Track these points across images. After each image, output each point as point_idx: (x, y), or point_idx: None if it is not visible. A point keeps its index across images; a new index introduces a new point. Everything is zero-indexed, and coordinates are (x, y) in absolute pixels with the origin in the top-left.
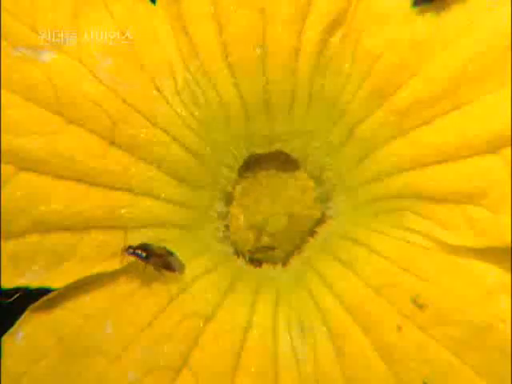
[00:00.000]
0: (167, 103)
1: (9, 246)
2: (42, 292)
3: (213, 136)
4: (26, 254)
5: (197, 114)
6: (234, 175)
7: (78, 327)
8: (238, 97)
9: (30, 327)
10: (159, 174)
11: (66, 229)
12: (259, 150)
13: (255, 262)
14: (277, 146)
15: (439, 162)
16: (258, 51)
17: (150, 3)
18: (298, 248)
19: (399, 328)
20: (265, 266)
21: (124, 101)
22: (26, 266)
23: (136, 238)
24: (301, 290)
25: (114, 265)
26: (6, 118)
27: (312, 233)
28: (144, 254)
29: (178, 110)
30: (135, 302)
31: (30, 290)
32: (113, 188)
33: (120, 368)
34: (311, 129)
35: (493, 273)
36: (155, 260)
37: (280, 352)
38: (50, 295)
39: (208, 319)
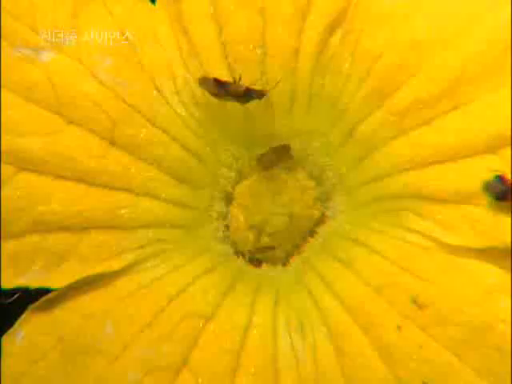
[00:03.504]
0: (167, 103)
1: (9, 245)
2: (42, 292)
3: (213, 136)
4: (26, 254)
5: (197, 114)
6: (233, 175)
7: (77, 327)
8: None
9: (29, 327)
10: (159, 174)
11: (66, 229)
12: (259, 150)
13: (255, 262)
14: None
15: (439, 162)
16: (258, 51)
17: (149, 3)
18: (297, 248)
19: (399, 328)
20: (265, 266)
21: (124, 101)
22: (26, 266)
23: (136, 238)
24: (301, 289)
25: (114, 265)
26: (5, 118)
27: (312, 233)
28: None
29: (178, 110)
30: (135, 302)
31: (29, 290)
32: (113, 188)
33: (120, 368)
34: (311, 129)
35: (493, 273)
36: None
37: (280, 352)
38: (50, 295)
39: (208, 319)
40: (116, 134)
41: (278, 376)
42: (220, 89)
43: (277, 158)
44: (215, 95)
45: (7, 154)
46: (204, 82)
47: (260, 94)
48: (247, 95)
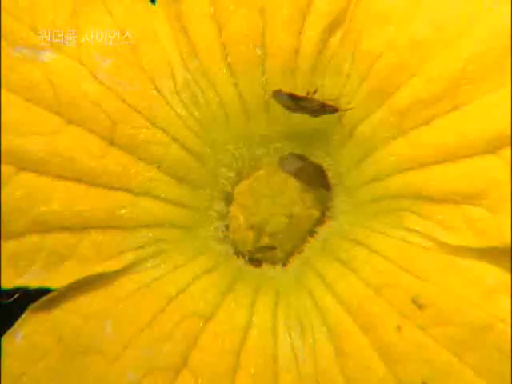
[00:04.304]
0: (167, 103)
1: (9, 245)
2: (42, 292)
3: (212, 136)
4: (26, 254)
5: (196, 114)
6: (233, 175)
7: (77, 327)
8: (237, 97)
9: (29, 327)
10: (159, 174)
11: (66, 229)
12: (259, 151)
13: (255, 262)
14: (277, 146)
15: (439, 162)
16: (258, 51)
17: (149, 3)
18: (297, 248)
19: (399, 328)
20: (265, 266)
21: (124, 101)
22: (26, 266)
23: (136, 238)
24: (300, 290)
25: (114, 265)
26: (5, 118)
27: (312, 233)
28: None
29: (178, 110)
30: (135, 302)
31: (29, 290)
32: (113, 188)
33: (119, 368)
34: (311, 129)
35: (493, 273)
36: None
37: (280, 352)
38: (50, 295)
39: (208, 319)
40: (116, 134)
41: (278, 376)
42: (294, 103)
43: (307, 175)
44: (288, 108)
45: (7, 154)
46: (278, 95)
47: (334, 110)
48: (321, 110)
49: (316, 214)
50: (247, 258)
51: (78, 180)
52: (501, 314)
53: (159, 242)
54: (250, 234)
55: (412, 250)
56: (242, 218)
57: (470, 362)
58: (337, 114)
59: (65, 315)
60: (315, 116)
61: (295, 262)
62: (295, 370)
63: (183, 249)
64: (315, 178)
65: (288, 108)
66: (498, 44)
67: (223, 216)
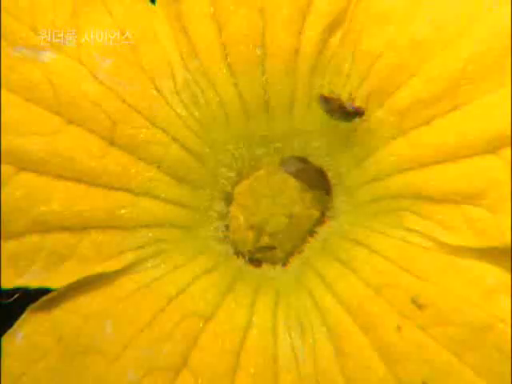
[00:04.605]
0: (167, 103)
1: (9, 245)
2: (42, 292)
3: (212, 136)
4: (26, 254)
5: (196, 114)
6: (233, 175)
7: (77, 327)
8: (237, 97)
9: (29, 327)
10: (159, 174)
11: (66, 229)
12: (259, 151)
13: (255, 262)
14: (277, 146)
15: (439, 162)
16: (258, 51)
17: (149, 3)
18: (297, 248)
19: (399, 328)
20: (265, 266)
21: (124, 101)
22: (26, 266)
23: (136, 238)
24: (300, 290)
25: (114, 265)
26: (5, 118)
27: (312, 233)
28: None
29: (178, 110)
30: (135, 302)
31: (29, 290)
32: (112, 188)
33: (119, 368)
34: (311, 129)
35: (493, 273)
36: None
37: (280, 352)
38: (50, 295)
39: (207, 319)
40: (116, 134)
41: (278, 376)
42: (326, 105)
43: (307, 177)
44: (323, 109)
45: (7, 154)
46: (320, 97)
47: (360, 113)
48: (350, 114)
49: (316, 214)
50: (247, 258)
51: (78, 180)
52: (501, 314)
53: (159, 242)
54: (250, 234)
55: (412, 250)
56: (241, 218)
57: (470, 362)
58: None
59: (65, 315)
60: (349, 121)
61: (295, 262)
62: (295, 370)
63: (183, 249)
64: (316, 181)
65: (323, 109)
66: (498, 44)
67: (223, 216)
